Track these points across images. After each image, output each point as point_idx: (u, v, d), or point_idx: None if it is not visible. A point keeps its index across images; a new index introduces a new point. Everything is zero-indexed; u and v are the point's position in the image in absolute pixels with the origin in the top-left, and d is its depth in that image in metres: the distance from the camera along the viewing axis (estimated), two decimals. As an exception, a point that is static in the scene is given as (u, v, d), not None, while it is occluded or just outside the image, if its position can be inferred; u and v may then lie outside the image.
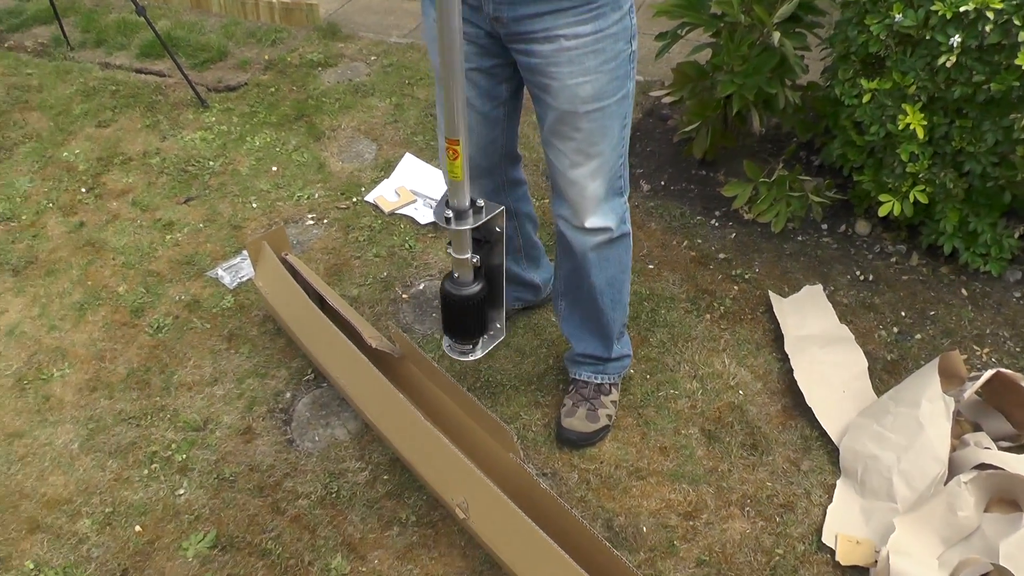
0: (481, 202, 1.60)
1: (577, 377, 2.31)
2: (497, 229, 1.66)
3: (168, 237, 3.00)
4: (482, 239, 1.68)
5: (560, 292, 2.23)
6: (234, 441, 2.32)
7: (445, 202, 1.58)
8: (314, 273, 2.53)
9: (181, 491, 2.21)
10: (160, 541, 2.10)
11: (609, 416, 2.28)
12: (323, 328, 2.28)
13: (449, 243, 1.65)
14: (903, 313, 2.62)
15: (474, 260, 1.66)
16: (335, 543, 2.07)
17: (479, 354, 1.83)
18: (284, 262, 2.49)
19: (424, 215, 3.01)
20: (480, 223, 1.59)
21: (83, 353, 2.60)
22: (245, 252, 2.90)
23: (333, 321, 2.30)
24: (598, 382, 2.29)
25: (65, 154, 3.45)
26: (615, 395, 2.32)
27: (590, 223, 1.95)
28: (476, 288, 1.72)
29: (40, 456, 2.32)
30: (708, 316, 2.63)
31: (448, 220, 1.57)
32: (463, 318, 1.75)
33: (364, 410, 2.20)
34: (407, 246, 2.91)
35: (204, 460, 2.28)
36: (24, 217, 3.14)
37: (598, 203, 1.92)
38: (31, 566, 2.07)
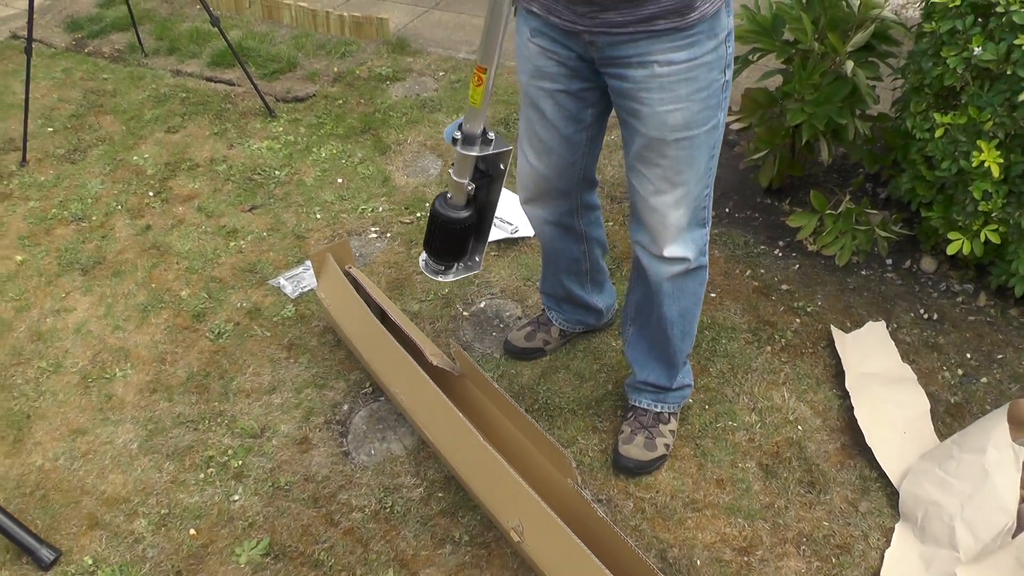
0: (492, 135, 1.62)
1: (637, 404, 2.29)
2: (501, 166, 1.68)
3: (232, 244, 3.05)
4: (485, 170, 1.69)
5: (630, 317, 2.22)
6: (290, 450, 2.34)
7: (459, 124, 1.62)
8: (376, 287, 2.55)
9: (236, 497, 2.23)
10: (214, 546, 2.12)
11: (667, 445, 2.26)
12: (384, 342, 2.29)
13: (452, 164, 1.68)
14: (968, 355, 2.56)
15: (469, 188, 1.67)
16: (387, 558, 2.07)
17: (450, 278, 1.86)
18: (347, 275, 2.51)
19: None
20: (485, 154, 1.62)
21: (145, 355, 2.64)
22: (307, 262, 2.93)
23: (394, 336, 2.31)
24: (658, 410, 2.27)
25: (135, 158, 3.52)
26: (674, 424, 2.29)
27: (669, 252, 1.93)
28: (465, 214, 1.73)
29: (101, 454, 2.35)
30: (769, 348, 2.59)
31: (455, 141, 1.62)
32: (445, 239, 1.76)
33: (421, 426, 2.20)
34: (468, 263, 2.92)
35: (259, 467, 2.30)
36: (94, 218, 3.21)
37: (679, 232, 1.91)
38: (89, 562, 2.10)
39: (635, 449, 2.22)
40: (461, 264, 1.85)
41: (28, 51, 3.39)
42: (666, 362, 2.20)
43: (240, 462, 2.31)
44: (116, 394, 2.53)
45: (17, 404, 2.52)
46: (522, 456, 2.10)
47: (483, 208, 1.76)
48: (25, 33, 3.48)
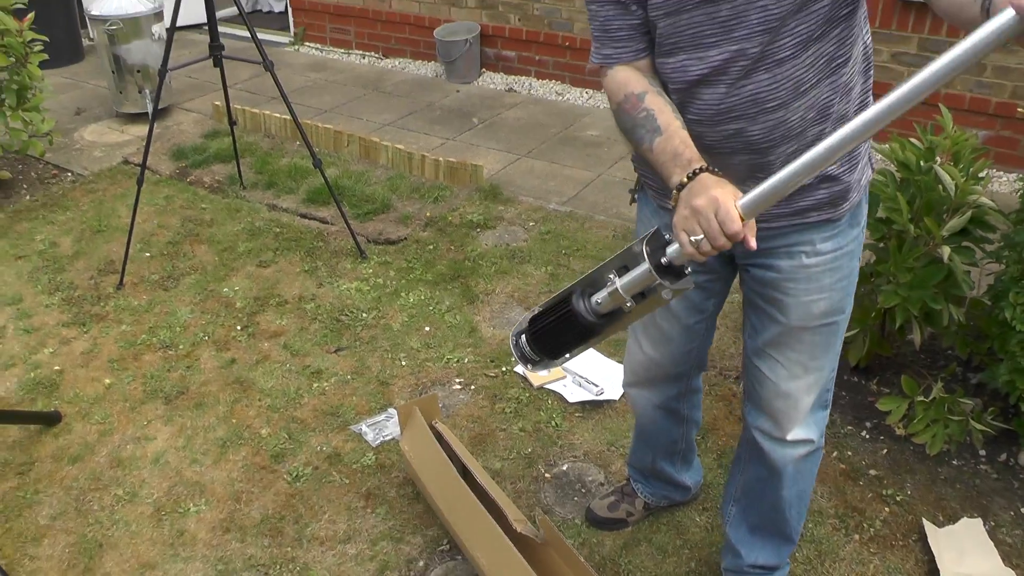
0: (688, 271, 1.46)
1: None
2: (666, 297, 1.52)
3: (315, 385, 3.06)
4: (647, 294, 1.53)
5: (733, 498, 2.16)
6: (362, 607, 2.27)
7: (664, 245, 1.44)
8: (460, 443, 2.53)
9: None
10: None
11: None
12: (465, 500, 2.25)
13: (625, 267, 1.49)
14: (1075, 560, 2.43)
15: (627, 304, 1.50)
16: None
17: (530, 369, 1.70)
18: (432, 429, 2.50)
19: (573, 393, 2.99)
20: (672, 287, 1.44)
21: (220, 491, 2.63)
22: (392, 410, 2.92)
23: (476, 495, 2.27)
24: None
25: (225, 290, 3.61)
26: None
27: (793, 436, 1.91)
28: (597, 320, 1.57)
29: (171, 594, 2.32)
30: (857, 537, 2.49)
31: (659, 266, 1.43)
32: (562, 331, 1.58)
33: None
34: (553, 423, 2.89)
35: (330, 623, 2.23)
36: (181, 347, 3.26)
37: (805, 416, 1.89)
38: None
39: None
40: (553, 362, 1.68)
41: (140, 181, 3.55)
42: (780, 540, 2.14)
43: (310, 616, 2.26)
44: (188, 529, 2.50)
45: (91, 531, 2.51)
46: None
47: (611, 322, 1.60)
48: (137, 160, 3.63)
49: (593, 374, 3.06)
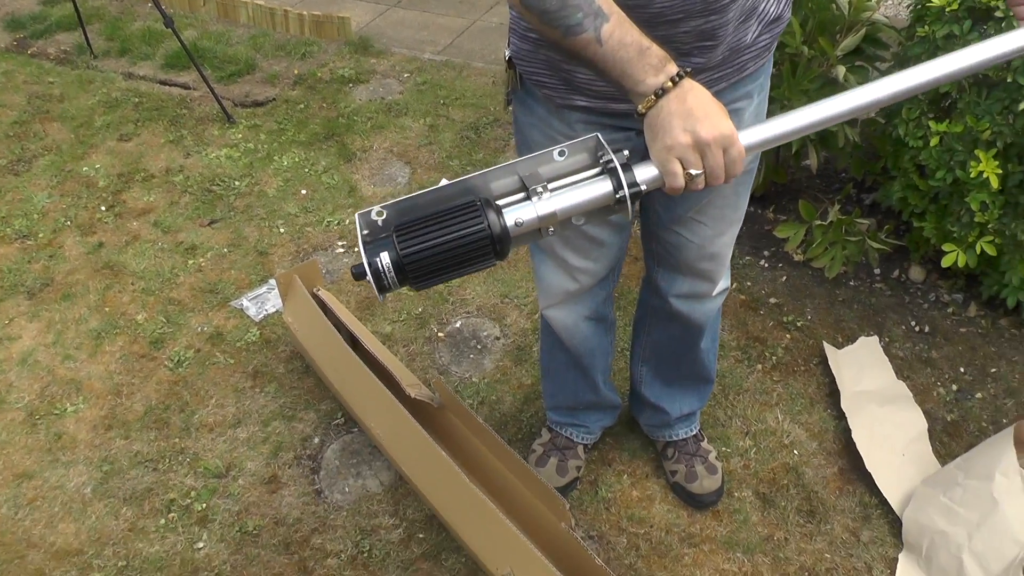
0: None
1: (675, 439, 2.18)
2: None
3: (191, 262, 2.87)
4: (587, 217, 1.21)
5: (642, 359, 2.09)
6: (258, 490, 2.18)
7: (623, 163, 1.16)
8: (347, 310, 2.40)
9: (200, 544, 2.07)
10: (178, 600, 1.97)
11: (717, 458, 2.19)
12: (356, 371, 2.15)
13: (545, 178, 1.18)
14: (962, 369, 2.48)
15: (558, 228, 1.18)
16: (366, 610, 1.93)
17: (381, 298, 1.20)
18: (315, 297, 2.36)
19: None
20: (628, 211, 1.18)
21: (99, 387, 2.47)
22: (272, 281, 2.76)
23: (366, 363, 2.16)
24: (694, 433, 2.19)
25: (85, 169, 3.32)
26: (703, 436, 2.22)
27: (718, 289, 1.83)
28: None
29: (50, 500, 2.18)
30: (760, 366, 2.48)
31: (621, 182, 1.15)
32: (454, 263, 1.14)
33: (399, 463, 2.06)
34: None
35: (226, 511, 2.14)
36: (41, 235, 3.01)
37: (727, 266, 1.82)
38: (38, 623, 1.94)
39: (707, 483, 2.12)
40: (410, 287, 1.18)
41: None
42: (701, 383, 2.11)
43: (204, 505, 2.15)
44: (67, 432, 2.35)
45: (-41, 443, 2.34)
46: (510, 496, 1.97)
47: (520, 243, 1.20)
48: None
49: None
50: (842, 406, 2.32)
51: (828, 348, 2.51)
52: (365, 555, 2.03)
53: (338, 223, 3.01)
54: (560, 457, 2.16)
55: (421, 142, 3.40)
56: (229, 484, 2.20)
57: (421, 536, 2.06)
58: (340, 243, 2.93)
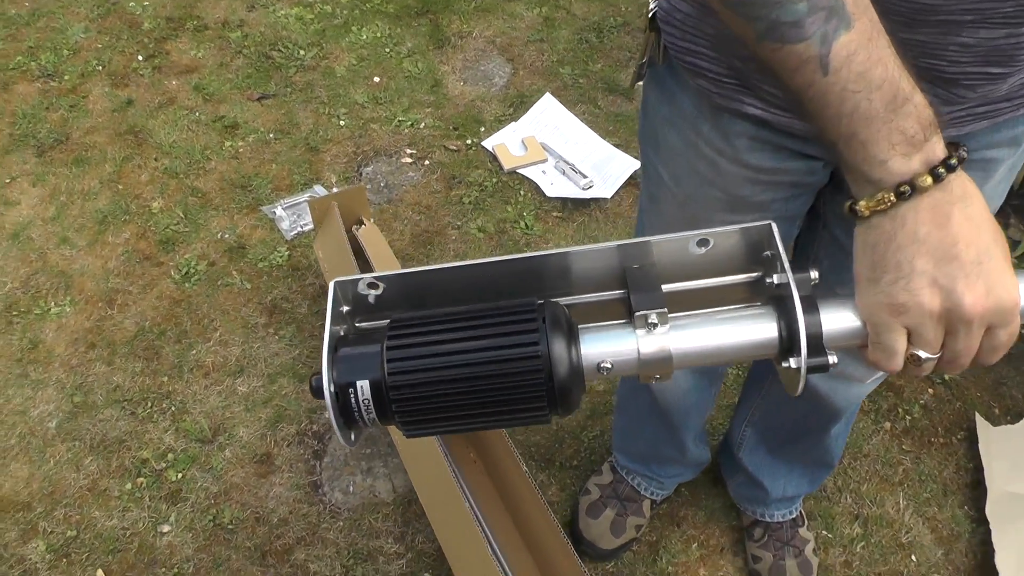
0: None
1: (768, 520, 1.68)
2: None
3: (227, 144, 2.39)
4: None
5: (748, 420, 1.57)
6: (245, 470, 1.77)
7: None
8: (390, 254, 1.90)
9: (166, 529, 1.69)
10: (122, 599, 1.60)
11: (815, 552, 1.71)
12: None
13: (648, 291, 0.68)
14: None
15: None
16: (341, 669, 1.53)
17: (342, 438, 0.71)
18: (352, 239, 1.87)
19: (554, 184, 2.31)
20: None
21: (91, 288, 2.06)
22: (317, 188, 2.28)
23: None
24: (792, 517, 1.69)
25: (132, 4, 2.81)
26: (806, 521, 1.74)
27: (878, 373, 1.28)
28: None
29: (8, 427, 1.82)
30: (888, 426, 1.93)
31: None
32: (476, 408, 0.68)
33: (414, 482, 1.62)
34: (523, 224, 2.23)
35: (202, 489, 1.74)
36: (67, 78, 2.55)
37: None
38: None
39: None
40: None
41: None
42: (819, 471, 1.61)
43: (179, 475, 1.76)
44: (44, 340, 1.96)
45: (-79, 330, 1.98)
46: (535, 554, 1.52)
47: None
48: None
49: (583, 160, 2.37)
50: (987, 510, 1.76)
51: (980, 421, 1.93)
52: (354, 589, 1.62)
53: (411, 125, 2.47)
54: (619, 510, 1.68)
55: (530, 37, 2.77)
56: (213, 454, 1.79)
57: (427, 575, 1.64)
58: (408, 151, 2.41)
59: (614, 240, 0.70)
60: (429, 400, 0.62)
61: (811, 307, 0.64)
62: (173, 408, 1.86)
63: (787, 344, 0.64)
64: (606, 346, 0.64)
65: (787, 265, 0.64)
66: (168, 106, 2.48)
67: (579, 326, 0.66)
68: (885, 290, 0.62)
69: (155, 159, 2.35)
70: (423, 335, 0.63)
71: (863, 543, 1.75)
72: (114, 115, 2.45)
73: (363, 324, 0.71)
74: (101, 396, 1.87)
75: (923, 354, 0.62)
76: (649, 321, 0.64)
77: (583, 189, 2.29)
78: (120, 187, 2.28)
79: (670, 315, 0.65)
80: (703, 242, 0.67)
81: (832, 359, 0.64)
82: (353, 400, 0.63)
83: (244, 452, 1.80)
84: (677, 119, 1.00)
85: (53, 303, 2.03)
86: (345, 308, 0.68)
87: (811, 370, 0.63)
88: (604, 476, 1.73)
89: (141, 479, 1.75)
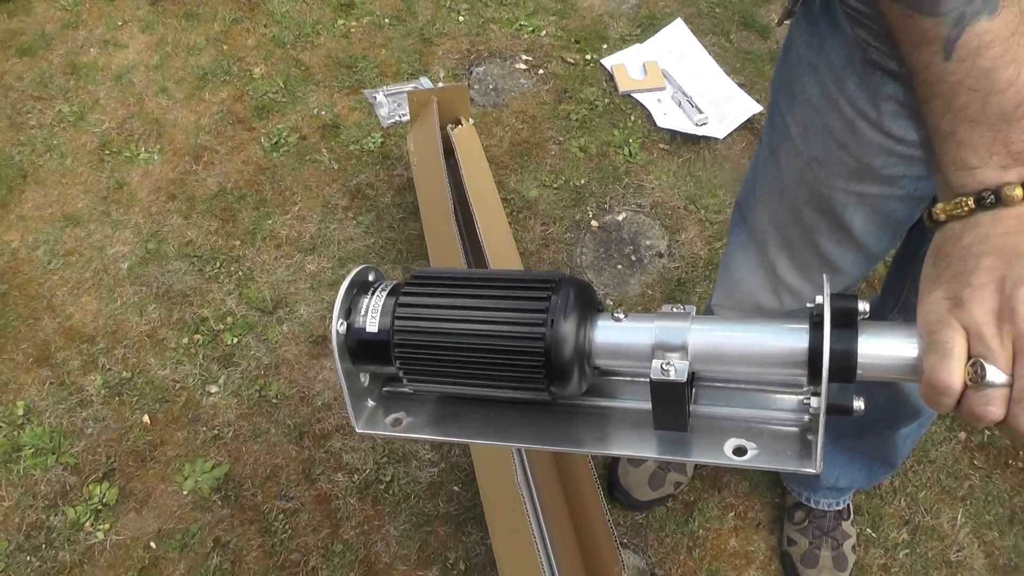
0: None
1: (813, 506, 1.60)
2: None
3: (340, 22, 2.34)
4: None
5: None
6: (299, 347, 1.76)
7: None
8: (482, 159, 1.84)
9: (213, 389, 1.70)
10: (162, 450, 1.62)
11: (855, 548, 1.61)
12: (452, 253, 1.63)
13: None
14: None
15: None
16: (353, 558, 1.53)
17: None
18: (446, 139, 1.81)
19: (667, 114, 2.20)
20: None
21: (180, 141, 2.06)
22: (423, 80, 2.22)
23: (471, 253, 1.65)
24: (839, 508, 1.60)
25: None
26: (852, 515, 1.64)
27: None
28: None
29: (85, 260, 1.86)
30: (963, 436, 1.79)
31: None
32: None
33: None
34: (627, 151, 2.13)
35: (255, 358, 1.74)
36: (196, -74, 2.52)
37: None
38: (20, 411, 1.65)
39: (827, 573, 1.56)
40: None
41: None
42: (880, 468, 1.50)
43: (235, 340, 1.76)
44: (130, 183, 1.98)
45: (20, 154, 2.01)
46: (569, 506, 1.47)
47: None
48: None
49: (702, 95, 2.24)
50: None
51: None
52: (381, 487, 1.60)
53: (532, 31, 2.37)
54: (662, 463, 1.62)
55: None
56: (271, 326, 1.79)
57: (455, 490, 1.61)
58: (524, 57, 2.32)
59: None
60: (429, 350, 0.62)
61: (844, 316, 0.56)
62: (240, 273, 1.86)
63: (810, 374, 0.58)
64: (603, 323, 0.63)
65: (826, 290, 0.57)
66: (288, -29, 2.44)
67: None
68: (944, 286, 0.54)
69: (264, 25, 2.31)
70: (441, 286, 0.63)
71: (907, 551, 1.65)
72: (234, -27, 2.42)
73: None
74: (173, 248, 1.88)
75: (988, 368, 0.52)
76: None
77: (696, 125, 2.17)
78: (225, 47, 2.25)
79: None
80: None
81: (858, 404, 0.57)
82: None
83: (301, 330, 1.79)
84: (822, 68, 0.89)
85: (143, 149, 2.04)
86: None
87: (831, 410, 0.57)
88: None
89: (198, 336, 1.76)
